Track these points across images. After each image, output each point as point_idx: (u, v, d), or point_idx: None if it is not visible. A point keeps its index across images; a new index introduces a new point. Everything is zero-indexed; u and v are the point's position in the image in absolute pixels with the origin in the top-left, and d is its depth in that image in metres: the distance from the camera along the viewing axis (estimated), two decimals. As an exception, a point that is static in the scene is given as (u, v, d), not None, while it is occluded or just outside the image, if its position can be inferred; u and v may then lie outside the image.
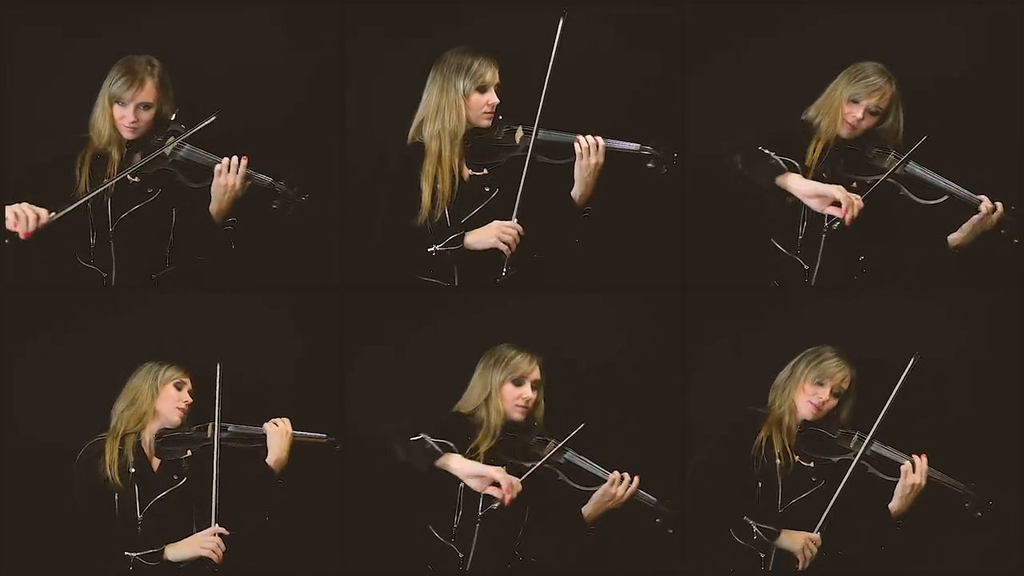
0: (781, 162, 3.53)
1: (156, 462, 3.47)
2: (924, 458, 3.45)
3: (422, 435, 3.46)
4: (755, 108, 3.68)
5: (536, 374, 3.51)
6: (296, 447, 3.50)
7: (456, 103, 3.46)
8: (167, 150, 3.44)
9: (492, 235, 3.46)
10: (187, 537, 3.41)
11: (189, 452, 3.46)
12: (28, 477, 3.59)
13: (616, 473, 3.44)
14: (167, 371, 3.48)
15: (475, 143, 3.51)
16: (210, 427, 3.45)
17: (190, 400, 3.48)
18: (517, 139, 3.49)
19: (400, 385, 3.69)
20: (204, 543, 3.39)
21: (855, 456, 3.46)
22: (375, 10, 3.72)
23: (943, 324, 3.71)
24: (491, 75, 3.47)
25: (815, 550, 3.45)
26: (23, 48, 3.66)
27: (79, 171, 3.48)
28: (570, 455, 3.46)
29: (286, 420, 3.50)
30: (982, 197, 3.47)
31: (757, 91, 3.71)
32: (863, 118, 3.51)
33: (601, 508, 3.46)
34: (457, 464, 3.44)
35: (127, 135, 3.47)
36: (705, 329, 3.72)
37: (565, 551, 3.50)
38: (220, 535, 3.39)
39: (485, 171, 3.51)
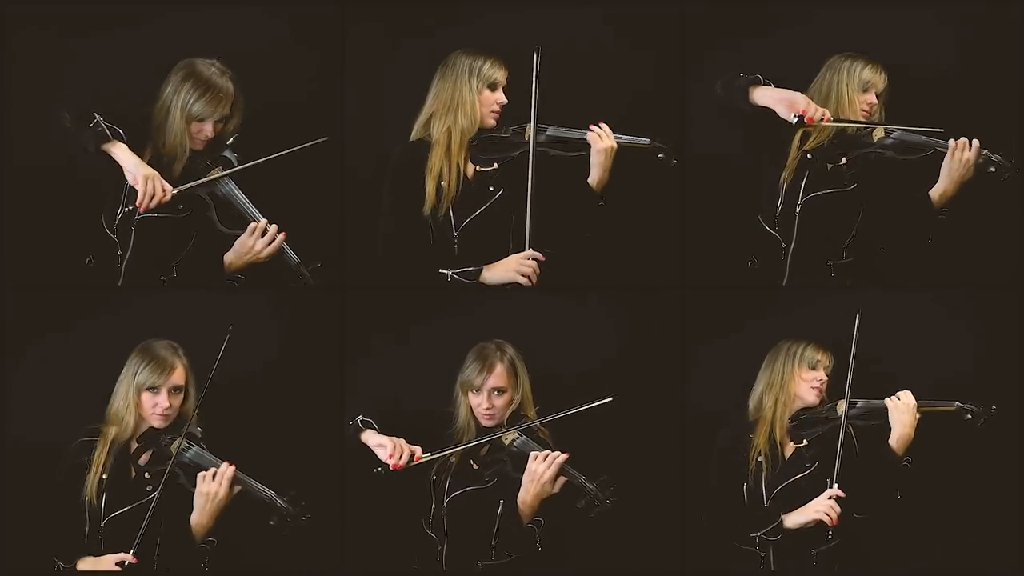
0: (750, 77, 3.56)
1: (134, 472, 3.32)
2: (907, 392, 3.42)
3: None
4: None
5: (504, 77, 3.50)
6: (240, 501, 3.23)
7: (471, 100, 3.47)
8: (210, 177, 3.39)
9: (511, 269, 3.46)
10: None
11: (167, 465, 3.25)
12: (28, 478, 3.58)
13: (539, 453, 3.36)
14: (140, 375, 3.33)
15: (480, 141, 3.52)
16: (176, 442, 3.25)
17: (168, 405, 3.31)
18: (527, 137, 3.49)
19: (399, 384, 3.69)
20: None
21: (843, 417, 3.42)
22: (375, 10, 3.73)
23: (943, 324, 3.71)
24: (502, 75, 3.50)
25: (837, 507, 3.37)
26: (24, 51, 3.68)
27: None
28: None
29: (227, 473, 3.20)
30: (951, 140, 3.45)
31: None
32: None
33: (533, 492, 3.33)
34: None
35: (197, 146, 3.42)
36: (705, 329, 3.72)
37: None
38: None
39: (495, 165, 3.51)
